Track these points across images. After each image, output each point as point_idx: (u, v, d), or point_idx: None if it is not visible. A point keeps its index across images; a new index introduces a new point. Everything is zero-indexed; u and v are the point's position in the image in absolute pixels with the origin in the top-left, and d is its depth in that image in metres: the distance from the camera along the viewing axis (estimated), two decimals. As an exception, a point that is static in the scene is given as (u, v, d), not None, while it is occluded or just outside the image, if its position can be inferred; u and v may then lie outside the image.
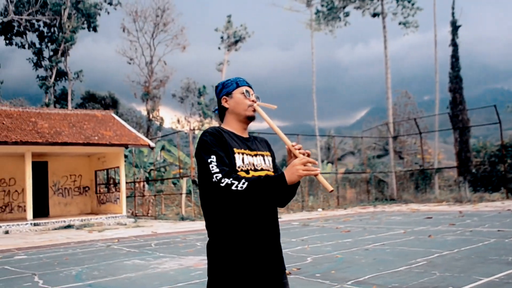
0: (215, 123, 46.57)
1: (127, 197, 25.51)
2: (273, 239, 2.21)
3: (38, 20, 33.98)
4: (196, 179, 20.80)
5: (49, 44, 35.25)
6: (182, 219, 19.92)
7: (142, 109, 46.28)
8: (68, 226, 17.63)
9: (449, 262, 6.93)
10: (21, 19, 32.64)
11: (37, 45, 35.61)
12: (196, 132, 27.97)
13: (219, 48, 40.89)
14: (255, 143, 2.36)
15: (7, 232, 16.12)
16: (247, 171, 2.17)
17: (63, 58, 34.76)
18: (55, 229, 17.22)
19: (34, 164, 18.42)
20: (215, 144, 2.12)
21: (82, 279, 6.76)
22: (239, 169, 2.14)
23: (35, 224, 17.13)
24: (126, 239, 12.71)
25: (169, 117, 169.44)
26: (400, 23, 31.66)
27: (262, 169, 2.25)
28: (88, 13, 33.76)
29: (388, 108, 29.92)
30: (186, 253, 9.16)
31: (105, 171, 22.33)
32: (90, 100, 45.49)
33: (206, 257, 6.84)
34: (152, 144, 21.30)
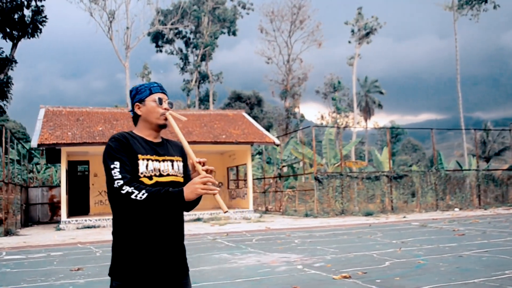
0: (353, 119, 45.80)
1: (262, 192, 26.63)
2: (174, 240, 2.29)
3: (185, 27, 37.21)
4: (318, 176, 20.97)
5: (193, 49, 38.31)
6: (306, 215, 20.18)
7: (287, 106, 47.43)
8: (198, 219, 19.10)
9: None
10: (167, 28, 35.96)
11: (184, 51, 39.00)
12: (322, 126, 27.87)
13: (349, 42, 40.15)
14: (166, 147, 2.40)
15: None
16: (150, 177, 2.24)
17: (203, 63, 37.42)
18: (186, 221, 18.75)
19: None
20: (120, 150, 2.20)
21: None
22: (141, 175, 2.21)
23: (169, 216, 18.87)
24: (236, 233, 13.39)
25: (313, 113, 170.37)
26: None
27: (168, 175, 2.30)
28: (225, 18, 35.83)
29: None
30: (274, 250, 9.39)
31: (235, 167, 23.63)
32: (236, 100, 48.17)
33: (287, 255, 7.09)
34: (277, 141, 21.88)
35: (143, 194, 2.07)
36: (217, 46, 36.79)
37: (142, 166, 2.23)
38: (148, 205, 2.08)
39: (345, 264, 7.42)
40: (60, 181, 19.45)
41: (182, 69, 39.08)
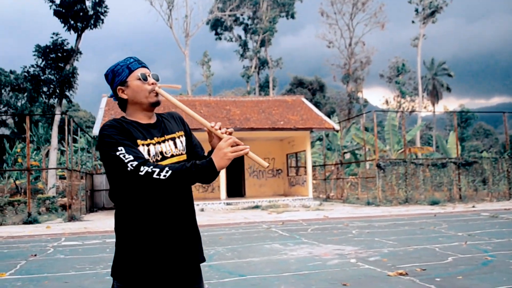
0: (419, 103, 43.92)
1: (323, 179, 26.13)
2: (186, 225, 2.08)
3: (242, 14, 37.06)
4: (381, 163, 20.14)
5: (252, 35, 38.09)
6: (368, 204, 19.52)
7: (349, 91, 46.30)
8: (256, 207, 18.97)
9: None
10: (225, 15, 35.92)
11: (243, 38, 38.87)
12: (386, 110, 26.73)
13: (412, 21, 38.13)
14: (164, 125, 2.16)
15: (202, 210, 18.19)
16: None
17: (262, 48, 37.10)
18: (244, 209, 18.72)
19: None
20: (118, 135, 1.96)
21: (211, 259, 7.26)
22: None
23: (227, 204, 18.91)
24: (293, 222, 13.08)
25: (377, 98, 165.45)
26: None
27: (172, 155, 2.09)
28: (284, 3, 35.24)
29: None
30: (329, 241, 9.00)
31: (295, 154, 23.25)
32: (298, 85, 47.63)
33: (342, 247, 6.68)
34: (337, 127, 21.25)
35: (166, 172, 1.84)
36: (276, 31, 36.29)
37: (143, 152, 1.99)
38: (172, 184, 1.86)
39: (403, 258, 6.91)
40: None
41: (242, 55, 38.99)
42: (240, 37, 39.06)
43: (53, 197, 17.94)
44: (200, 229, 9.02)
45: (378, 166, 19.45)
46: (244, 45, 38.63)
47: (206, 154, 2.22)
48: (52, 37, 20.78)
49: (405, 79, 42.55)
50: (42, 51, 20.60)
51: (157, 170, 1.84)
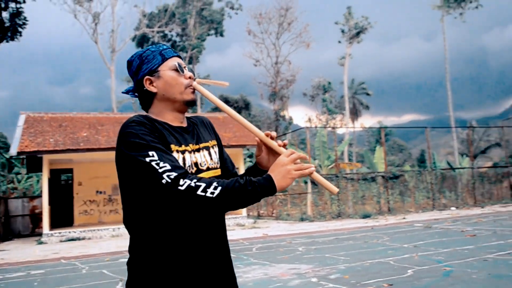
0: (341, 120, 45.31)
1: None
2: (221, 254, 1.64)
3: (171, 30, 36.38)
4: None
5: (180, 52, 37.51)
6: (302, 219, 19.48)
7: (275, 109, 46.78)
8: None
9: None
10: (153, 31, 35.11)
11: (170, 55, 38.22)
12: (317, 127, 27.22)
13: (339, 41, 39.59)
14: (196, 131, 1.72)
15: (133, 232, 17.16)
16: None
17: (190, 66, 36.70)
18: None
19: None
20: (150, 137, 1.49)
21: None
22: None
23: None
24: (234, 242, 12.60)
25: (300, 116, 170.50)
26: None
27: (208, 168, 1.65)
28: (212, 19, 35.11)
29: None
30: (280, 260, 8.64)
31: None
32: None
33: (296, 265, 6.11)
34: (269, 144, 21.18)
35: (215, 189, 1.39)
36: (204, 49, 35.98)
37: (179, 161, 1.53)
38: (222, 205, 1.41)
39: (364, 274, 6.70)
40: (41, 191, 18.44)
41: (169, 73, 38.26)
42: (166, 54, 38.37)
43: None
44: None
45: (312, 181, 19.55)
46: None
47: (236, 169, 1.85)
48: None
49: (330, 97, 43.84)
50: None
51: (203, 185, 1.39)
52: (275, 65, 41.25)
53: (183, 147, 1.59)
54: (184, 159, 1.57)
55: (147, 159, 1.43)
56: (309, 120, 51.45)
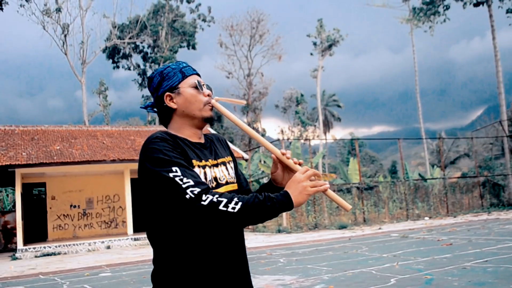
0: (313, 132, 45.73)
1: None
2: (241, 263, 1.73)
3: (142, 42, 36.19)
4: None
5: (152, 64, 37.34)
6: (279, 231, 19.52)
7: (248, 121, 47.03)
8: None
9: None
10: (124, 42, 34.87)
11: (142, 66, 37.91)
12: (293, 139, 27.51)
13: (311, 54, 40.23)
14: (213, 147, 1.79)
15: (108, 247, 16.88)
16: None
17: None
18: (142, 246, 17.72)
19: (134, 181, 19.18)
20: (173, 153, 1.55)
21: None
22: None
23: (135, 239, 17.78)
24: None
25: (273, 128, 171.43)
26: (509, 11, 28.40)
27: (227, 183, 1.72)
28: (184, 31, 35.11)
29: (501, 104, 27.01)
30: (263, 272, 8.65)
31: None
32: (195, 116, 47.38)
33: (279, 276, 6.11)
34: (246, 156, 21.24)
35: (236, 204, 1.46)
36: (176, 61, 35.95)
37: (200, 176, 1.60)
38: (243, 220, 1.47)
39: (349, 285, 6.77)
40: (13, 206, 17.97)
41: (141, 85, 37.96)
42: (138, 65, 38.07)
43: None
44: (116, 268, 8.27)
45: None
46: (143, 73, 37.70)
47: (248, 185, 1.91)
48: None
49: (302, 109, 44.30)
50: None
51: (224, 200, 1.46)
52: (248, 77, 41.55)
53: (203, 162, 1.66)
54: (205, 173, 1.64)
55: (171, 175, 1.49)
56: (282, 132, 51.82)
